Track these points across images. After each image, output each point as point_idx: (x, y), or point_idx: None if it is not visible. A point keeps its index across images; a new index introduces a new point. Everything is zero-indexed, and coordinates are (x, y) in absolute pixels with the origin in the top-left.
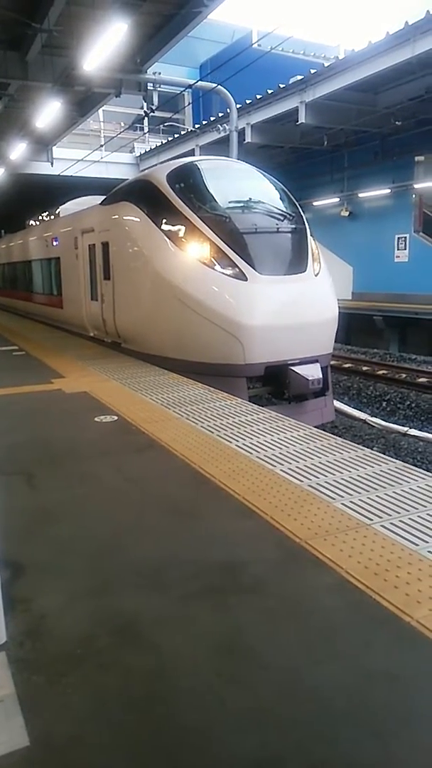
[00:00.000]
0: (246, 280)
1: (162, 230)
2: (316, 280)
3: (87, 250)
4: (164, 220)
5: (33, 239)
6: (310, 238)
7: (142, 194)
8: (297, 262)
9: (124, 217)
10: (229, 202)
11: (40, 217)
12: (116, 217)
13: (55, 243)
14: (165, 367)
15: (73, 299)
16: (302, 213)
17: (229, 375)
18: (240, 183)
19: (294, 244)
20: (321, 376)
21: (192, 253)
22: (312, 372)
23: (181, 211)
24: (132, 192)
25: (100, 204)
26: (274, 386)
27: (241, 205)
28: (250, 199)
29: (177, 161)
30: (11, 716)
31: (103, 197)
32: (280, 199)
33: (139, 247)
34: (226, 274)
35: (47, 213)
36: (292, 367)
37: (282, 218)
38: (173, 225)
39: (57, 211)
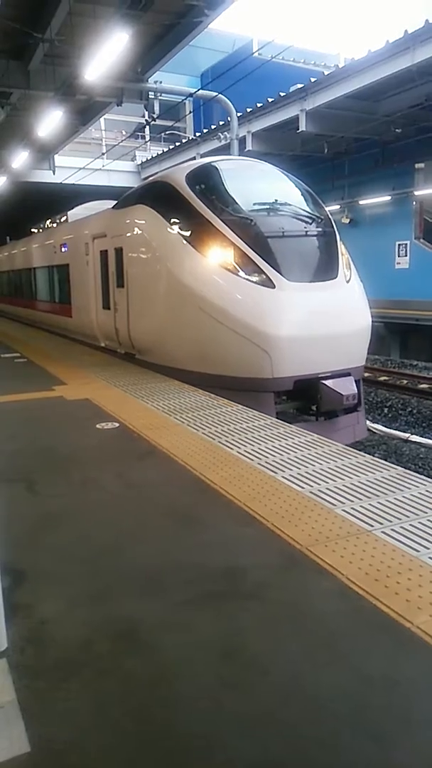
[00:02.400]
0: (273, 287)
1: (181, 234)
2: (348, 286)
3: (98, 256)
4: (184, 224)
5: (40, 245)
6: (339, 243)
7: (160, 196)
8: (327, 267)
9: (140, 221)
10: (254, 204)
11: (47, 223)
12: (131, 221)
13: (63, 249)
14: (184, 381)
15: (83, 308)
16: (330, 216)
17: (254, 389)
18: (263, 184)
19: (323, 249)
20: (356, 390)
21: (214, 258)
22: (346, 386)
23: (202, 214)
24: (148, 194)
25: (112, 208)
26: (304, 402)
27: (266, 207)
28: (276, 200)
29: (195, 162)
30: (12, 722)
31: (114, 202)
32: (307, 200)
33: (156, 253)
34: (252, 281)
35: (55, 219)
36: (324, 381)
37: (310, 221)
38: (194, 228)
39: (65, 217)
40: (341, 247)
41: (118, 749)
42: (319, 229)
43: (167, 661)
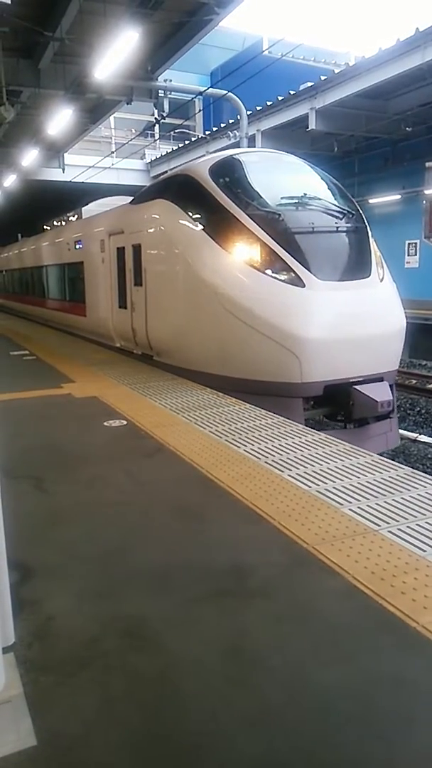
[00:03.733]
0: (303, 286)
1: (204, 230)
2: (381, 286)
3: (115, 253)
4: (207, 219)
5: (53, 243)
6: (371, 239)
7: (181, 190)
8: (359, 265)
9: (160, 216)
10: (281, 198)
11: (61, 220)
12: (150, 216)
13: (78, 246)
14: (206, 384)
15: (97, 307)
16: (361, 211)
17: (282, 395)
18: (290, 177)
19: (355, 246)
20: (391, 397)
21: (240, 255)
22: (380, 392)
23: (227, 208)
24: (169, 188)
25: (130, 203)
26: (334, 408)
27: (295, 201)
28: (305, 194)
29: (216, 154)
30: (19, 716)
31: (129, 198)
32: (336, 194)
33: (177, 249)
34: (280, 280)
35: (68, 215)
36: (357, 387)
37: (341, 216)
38: (217, 224)
39: (79, 213)
40: (374, 244)
41: (124, 745)
42: (351, 225)
43: (174, 658)
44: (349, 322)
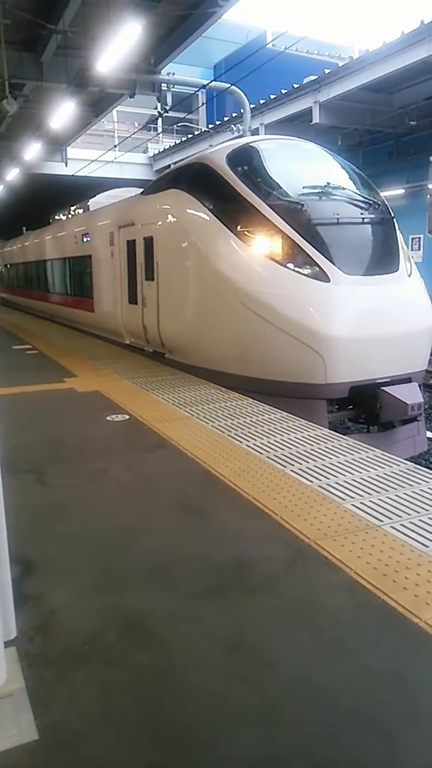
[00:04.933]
0: (328, 281)
1: (222, 221)
2: (410, 281)
3: (125, 246)
4: (225, 209)
5: (59, 235)
6: (398, 232)
7: (197, 180)
8: (387, 259)
9: (174, 207)
10: (303, 188)
11: (67, 213)
12: (163, 207)
13: (85, 239)
14: (222, 384)
15: (106, 302)
16: (386, 201)
17: (305, 396)
18: (311, 165)
19: (382, 238)
20: (421, 399)
21: (260, 247)
22: (410, 394)
23: (246, 198)
24: (183, 177)
25: (141, 194)
26: (360, 411)
27: (318, 190)
28: (328, 183)
29: (232, 142)
30: (21, 710)
31: (139, 190)
32: (360, 184)
33: (192, 242)
34: (303, 274)
35: (75, 207)
36: (385, 388)
37: (366, 206)
38: (236, 214)
39: (87, 205)
40: (401, 237)
41: (124, 738)
42: (377, 216)
43: (174, 653)
44: (376, 319)
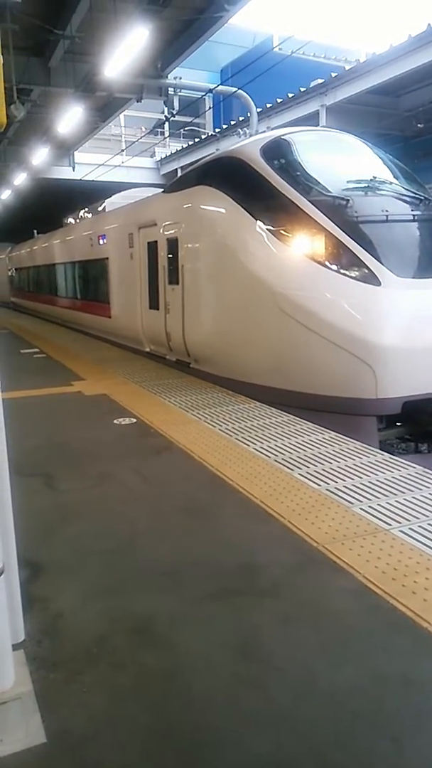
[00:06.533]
0: (378, 284)
1: (257, 219)
2: None
3: (146, 248)
4: (261, 207)
5: (73, 238)
6: None
7: (229, 175)
8: None
9: (203, 205)
10: (347, 182)
11: (80, 215)
12: (190, 205)
13: (102, 241)
14: (256, 398)
15: (124, 307)
16: None
17: (352, 413)
18: (354, 158)
19: None
20: None
21: (301, 248)
22: None
23: (285, 194)
24: (212, 173)
25: (163, 192)
26: (413, 428)
27: (364, 185)
28: (374, 177)
29: (263, 135)
30: (29, 713)
31: (156, 190)
32: (408, 179)
33: (224, 242)
34: (351, 277)
35: (90, 208)
36: None
37: (417, 202)
38: (273, 212)
39: (102, 206)
40: None
41: (132, 742)
42: (429, 213)
43: (182, 657)
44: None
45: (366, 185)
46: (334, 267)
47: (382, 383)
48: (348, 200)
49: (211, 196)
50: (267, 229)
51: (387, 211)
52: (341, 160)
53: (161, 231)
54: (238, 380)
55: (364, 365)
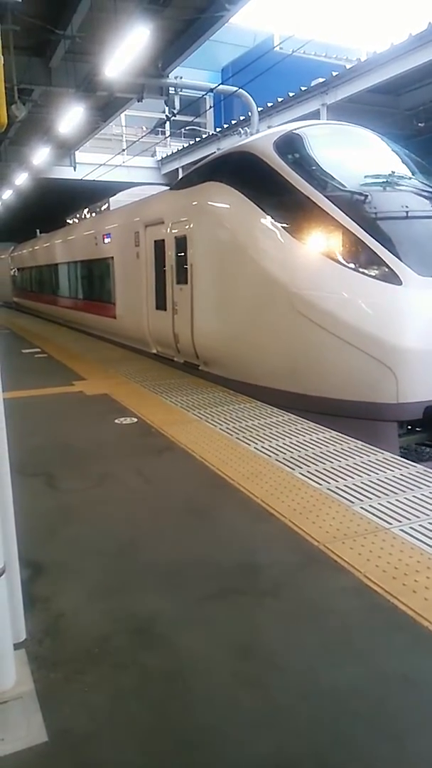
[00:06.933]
0: (399, 283)
1: (271, 216)
2: None
3: (152, 247)
4: (274, 203)
5: (76, 237)
6: None
7: (240, 170)
8: None
9: (213, 202)
10: (365, 177)
11: (86, 213)
12: (199, 202)
13: (106, 240)
14: (270, 403)
15: (130, 308)
16: None
17: (371, 417)
18: (370, 153)
19: None
20: None
21: (317, 245)
22: None
23: (300, 190)
24: (223, 169)
25: (171, 189)
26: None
27: (382, 180)
28: (393, 172)
29: (275, 129)
30: (30, 713)
31: (164, 187)
32: (426, 173)
33: (236, 240)
34: (370, 275)
35: (94, 206)
36: None
37: None
38: (288, 208)
39: (106, 204)
40: None
41: (133, 742)
42: None
43: (184, 657)
44: None
45: (385, 180)
46: (353, 265)
47: (403, 387)
48: (366, 196)
49: (222, 192)
50: (281, 226)
51: (407, 207)
52: (357, 154)
53: (169, 229)
54: (250, 383)
55: (385, 368)
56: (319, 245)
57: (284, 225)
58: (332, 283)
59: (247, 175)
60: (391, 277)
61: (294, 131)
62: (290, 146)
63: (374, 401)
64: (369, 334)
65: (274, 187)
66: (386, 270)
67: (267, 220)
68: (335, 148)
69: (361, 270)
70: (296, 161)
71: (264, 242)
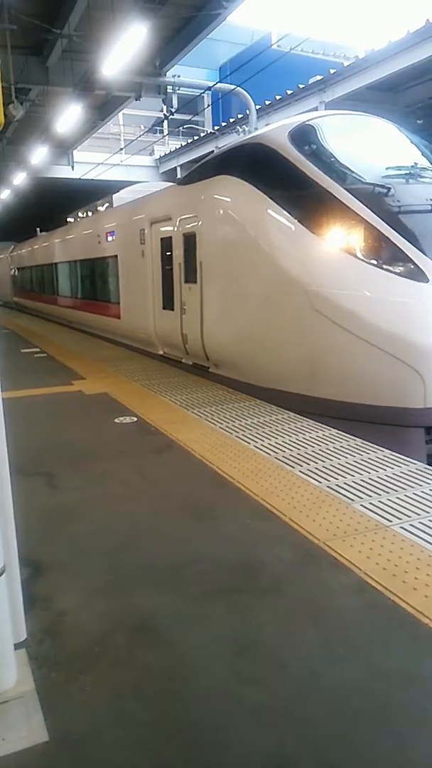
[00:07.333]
0: (426, 281)
1: (288, 211)
2: None
3: (159, 244)
4: (291, 197)
5: (78, 235)
6: None
7: (254, 163)
8: None
9: (224, 197)
10: (386, 169)
11: (87, 210)
12: (210, 197)
13: (110, 238)
14: (285, 406)
15: (135, 308)
16: None
17: (396, 423)
18: (389, 143)
19: None
20: None
21: (336, 241)
22: None
23: (319, 183)
24: (236, 161)
25: (178, 184)
26: None
27: (405, 172)
28: (415, 164)
29: (288, 120)
30: (31, 712)
31: (168, 184)
32: None
33: (250, 237)
34: (394, 273)
35: (97, 204)
36: None
37: None
38: (306, 202)
39: (109, 201)
40: None
41: (134, 740)
42: None
43: (184, 655)
44: None
45: (407, 172)
46: (375, 262)
47: (431, 390)
48: (389, 188)
49: (234, 186)
50: (298, 220)
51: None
52: (376, 144)
53: (176, 226)
54: (265, 387)
55: (411, 371)
56: (340, 241)
57: (301, 219)
58: (354, 280)
59: (261, 167)
60: (418, 275)
61: (309, 122)
62: (306, 137)
63: (400, 406)
64: (394, 334)
65: (291, 180)
66: (412, 267)
67: (283, 215)
68: (353, 138)
69: (384, 267)
70: (313, 153)
71: (280, 238)
